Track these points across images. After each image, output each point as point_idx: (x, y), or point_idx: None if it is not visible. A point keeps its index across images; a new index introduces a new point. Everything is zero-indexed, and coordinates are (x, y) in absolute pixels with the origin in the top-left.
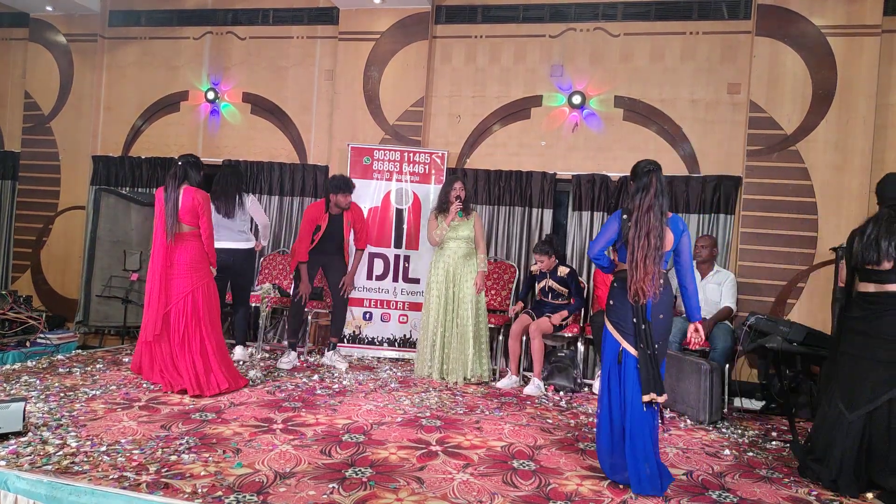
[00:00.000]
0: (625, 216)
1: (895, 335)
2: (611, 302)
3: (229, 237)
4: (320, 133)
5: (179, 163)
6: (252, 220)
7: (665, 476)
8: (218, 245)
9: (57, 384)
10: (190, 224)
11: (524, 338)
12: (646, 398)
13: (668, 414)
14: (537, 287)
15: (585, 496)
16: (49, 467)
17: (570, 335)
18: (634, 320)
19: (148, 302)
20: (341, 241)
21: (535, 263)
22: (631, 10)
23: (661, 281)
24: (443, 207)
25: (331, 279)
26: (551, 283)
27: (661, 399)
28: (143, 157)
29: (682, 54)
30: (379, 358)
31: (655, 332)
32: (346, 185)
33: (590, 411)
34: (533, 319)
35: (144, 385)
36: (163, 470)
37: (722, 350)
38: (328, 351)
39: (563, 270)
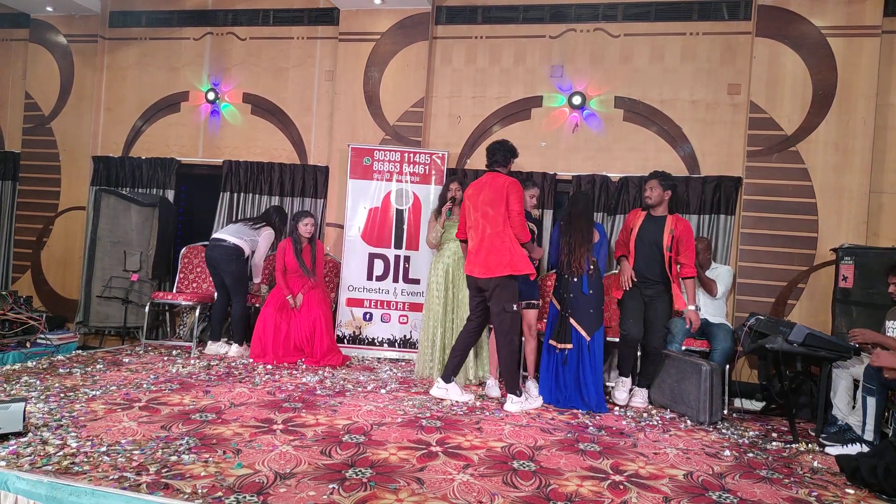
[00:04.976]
0: (562, 223)
1: None
2: (557, 283)
3: (227, 231)
4: (321, 133)
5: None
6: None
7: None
8: (214, 235)
9: (57, 384)
10: None
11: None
12: (553, 342)
13: (668, 415)
14: None
15: (585, 497)
16: (49, 468)
17: None
18: (563, 293)
19: None
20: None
21: None
22: (631, 11)
23: (592, 267)
24: (440, 209)
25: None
26: None
27: (567, 346)
28: (143, 157)
29: (683, 55)
30: (379, 358)
31: (591, 303)
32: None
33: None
34: None
35: (144, 386)
36: (163, 470)
37: (722, 351)
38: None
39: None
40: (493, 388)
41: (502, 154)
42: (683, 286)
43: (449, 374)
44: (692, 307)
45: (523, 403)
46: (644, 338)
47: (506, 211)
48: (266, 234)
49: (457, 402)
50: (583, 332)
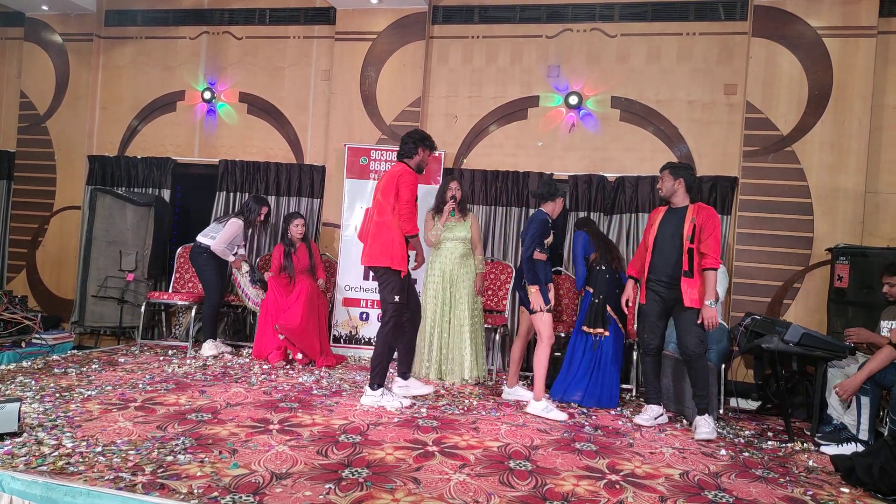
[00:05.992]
0: (585, 228)
1: None
2: (589, 275)
3: (201, 232)
4: (317, 133)
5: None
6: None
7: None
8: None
9: (52, 384)
10: None
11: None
12: (585, 328)
13: (665, 414)
14: (546, 243)
15: (582, 496)
16: (44, 468)
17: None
18: (602, 285)
19: None
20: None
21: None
22: (628, 11)
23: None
24: (439, 207)
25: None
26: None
27: (600, 331)
28: (139, 156)
29: (679, 55)
30: None
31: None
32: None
33: (589, 412)
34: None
35: (140, 386)
36: (159, 471)
37: (718, 350)
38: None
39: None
40: (509, 394)
41: (409, 144)
42: (704, 279)
43: (403, 372)
44: (709, 303)
45: (378, 399)
46: (679, 347)
47: (395, 200)
48: (230, 223)
49: (416, 395)
50: (621, 328)
